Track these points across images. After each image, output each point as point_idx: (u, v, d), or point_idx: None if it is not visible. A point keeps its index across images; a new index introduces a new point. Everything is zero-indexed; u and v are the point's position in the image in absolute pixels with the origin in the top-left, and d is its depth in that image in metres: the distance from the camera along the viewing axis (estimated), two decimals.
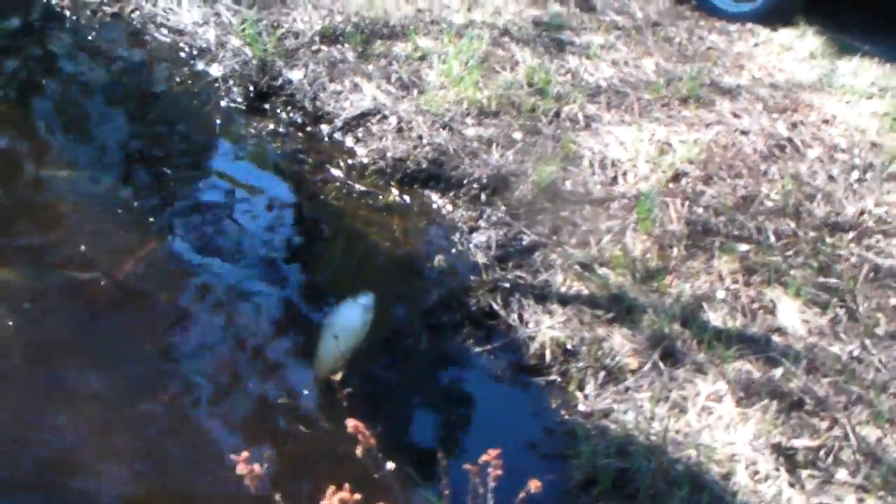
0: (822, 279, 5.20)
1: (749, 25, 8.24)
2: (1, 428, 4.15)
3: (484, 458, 3.18)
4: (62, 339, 4.67)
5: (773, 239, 5.45)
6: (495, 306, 5.00)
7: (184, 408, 4.42)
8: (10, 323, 4.68)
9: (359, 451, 3.33)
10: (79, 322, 4.80)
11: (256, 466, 3.12)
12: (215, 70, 7.10)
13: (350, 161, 6.17)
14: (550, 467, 4.26)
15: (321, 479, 3.75)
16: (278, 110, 6.72)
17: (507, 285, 5.10)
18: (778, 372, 4.57)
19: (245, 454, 3.13)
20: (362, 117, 6.43)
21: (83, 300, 4.93)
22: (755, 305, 5.01)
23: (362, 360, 4.68)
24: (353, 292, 4.75)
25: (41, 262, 5.19)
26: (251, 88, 6.87)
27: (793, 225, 5.57)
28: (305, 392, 4.36)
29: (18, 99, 6.78)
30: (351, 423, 3.29)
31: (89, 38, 7.64)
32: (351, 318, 4.60)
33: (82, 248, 5.20)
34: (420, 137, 6.15)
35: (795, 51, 7.86)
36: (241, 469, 3.12)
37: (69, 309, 4.86)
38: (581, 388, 4.61)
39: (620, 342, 4.73)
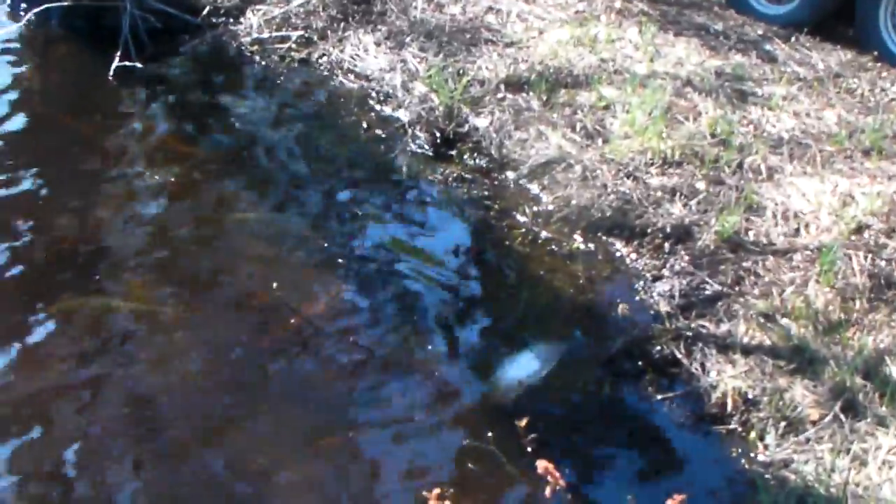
0: None
1: None
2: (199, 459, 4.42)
3: (670, 502, 3.29)
4: (252, 375, 4.92)
5: None
6: (678, 355, 5.10)
7: (366, 447, 4.62)
8: (206, 358, 4.94)
9: (548, 492, 3.47)
10: (267, 358, 5.04)
11: None
12: (402, 115, 7.36)
13: (535, 208, 6.33)
14: None
15: None
16: (464, 156, 6.92)
17: (690, 334, 5.20)
18: None
19: (437, 491, 3.29)
20: (547, 165, 6.59)
21: (272, 337, 5.17)
22: None
23: (547, 405, 4.83)
24: (538, 339, 4.93)
25: (234, 300, 5.46)
26: (437, 134, 7.10)
27: None
28: (490, 435, 4.47)
29: (207, 144, 7.13)
30: (541, 465, 3.43)
31: (278, 82, 7.95)
32: (524, 367, 4.78)
33: (274, 285, 5.44)
34: (604, 186, 6.29)
35: None
36: None
37: (258, 346, 5.10)
38: (762, 437, 4.68)
39: (802, 393, 4.78)
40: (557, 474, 3.41)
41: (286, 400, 4.81)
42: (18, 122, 7.20)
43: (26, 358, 4.96)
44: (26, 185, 6.34)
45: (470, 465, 4.46)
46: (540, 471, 3.40)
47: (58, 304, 5.29)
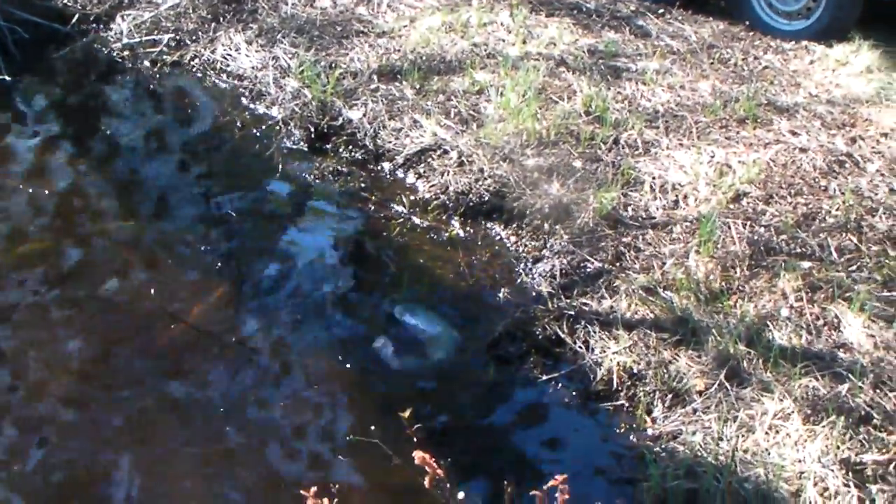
0: (886, 293, 5.19)
1: (804, 43, 8.23)
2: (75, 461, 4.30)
3: (551, 483, 3.25)
4: (135, 378, 4.81)
5: (835, 255, 5.46)
6: (561, 334, 5.06)
7: (252, 444, 4.52)
8: (84, 361, 4.84)
9: (427, 482, 3.41)
10: (151, 364, 4.93)
11: (326, 501, 3.21)
12: (276, 112, 7.27)
13: (413, 197, 6.28)
14: (621, 491, 4.32)
15: None
16: (340, 150, 6.85)
17: (573, 313, 5.16)
18: (844, 388, 4.57)
19: (314, 488, 3.22)
20: (423, 153, 6.55)
21: (156, 343, 5.06)
22: (820, 322, 5.02)
23: (431, 392, 4.77)
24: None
25: (112, 307, 5.33)
26: (312, 129, 7.03)
27: (855, 240, 5.57)
28: (373, 427, 4.40)
29: (80, 150, 6.96)
30: (418, 456, 3.38)
31: (150, 87, 7.82)
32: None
33: (151, 292, 5.33)
34: (481, 170, 6.25)
35: (851, 66, 7.83)
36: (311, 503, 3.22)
37: (142, 350, 4.99)
38: (649, 411, 4.66)
39: (687, 364, 4.77)
40: (436, 464, 3.36)
41: (168, 405, 4.72)
42: None
43: None
44: None
45: (355, 459, 4.40)
46: (417, 461, 3.36)
47: None
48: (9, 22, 8.12)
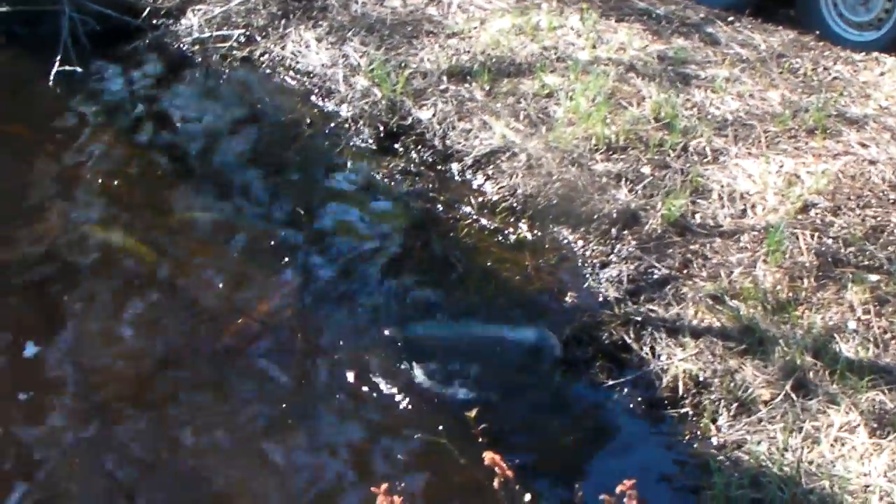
0: None
1: (874, 54, 8.17)
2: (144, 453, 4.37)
3: (620, 488, 3.28)
4: (202, 372, 4.87)
5: None
6: (627, 340, 5.09)
7: (320, 440, 4.58)
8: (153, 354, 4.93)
9: (496, 483, 3.45)
10: (218, 358, 5.00)
11: (396, 498, 3.26)
12: (345, 110, 7.32)
13: (481, 198, 6.31)
14: (684, 499, 4.35)
15: None
16: (408, 149, 6.89)
17: (639, 319, 5.19)
18: None
19: (385, 486, 3.26)
20: (492, 155, 6.57)
21: (223, 337, 5.13)
22: (887, 336, 5.00)
23: (498, 394, 4.80)
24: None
25: (182, 300, 5.41)
26: (381, 128, 7.07)
27: None
28: (441, 427, 4.43)
29: (149, 143, 7.07)
30: (488, 457, 3.41)
31: (220, 81, 7.89)
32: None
33: (220, 286, 5.39)
34: (550, 174, 6.27)
35: None
36: (381, 500, 3.26)
37: (211, 346, 5.06)
38: (714, 419, 4.67)
39: (752, 374, 4.78)
40: (504, 465, 3.39)
41: (238, 399, 4.77)
42: None
43: None
44: None
45: (421, 457, 4.44)
46: (487, 462, 3.39)
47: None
48: (81, 13, 8.20)
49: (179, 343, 5.13)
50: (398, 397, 4.83)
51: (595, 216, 5.95)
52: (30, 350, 5.07)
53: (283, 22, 8.51)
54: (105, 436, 4.55)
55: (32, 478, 4.33)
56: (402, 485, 3.87)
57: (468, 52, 7.79)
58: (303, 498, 4.33)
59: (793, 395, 4.64)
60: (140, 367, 4.95)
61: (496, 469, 3.44)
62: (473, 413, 3.78)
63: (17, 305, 5.38)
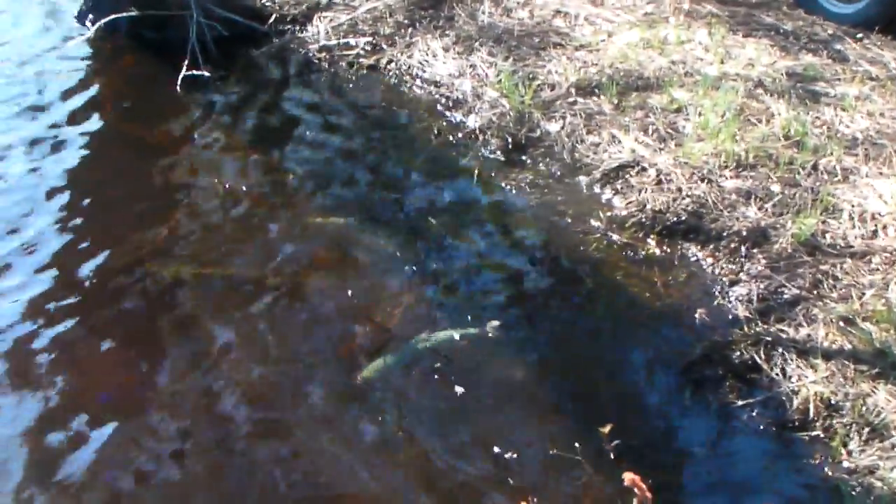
0: None
1: None
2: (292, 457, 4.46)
3: None
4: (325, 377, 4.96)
5: None
6: (758, 360, 5.07)
7: (451, 454, 4.62)
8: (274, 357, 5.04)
9: (635, 503, 3.48)
10: (342, 364, 5.07)
11: None
12: (472, 121, 7.37)
13: (609, 213, 6.32)
14: None
15: None
16: (536, 161, 6.92)
17: (770, 339, 5.17)
18: None
19: (523, 503, 3.31)
20: (621, 169, 6.60)
21: (349, 343, 5.21)
22: None
23: (628, 412, 4.82)
24: (614, 346, 4.98)
25: (307, 306, 5.50)
26: (509, 140, 7.11)
27: None
28: (576, 444, 4.46)
29: (275, 148, 7.19)
30: (628, 477, 3.45)
31: (347, 89, 8.00)
32: None
33: (348, 293, 5.47)
34: (679, 189, 6.28)
35: None
36: None
37: (334, 349, 5.16)
38: (845, 444, 4.64)
39: (885, 398, 4.75)
40: (644, 486, 3.43)
41: (358, 407, 4.85)
42: (88, 132, 7.30)
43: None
44: (98, 196, 6.44)
45: (556, 474, 4.45)
46: (627, 482, 3.43)
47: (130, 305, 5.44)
48: (209, 19, 8.38)
49: (306, 346, 5.21)
50: (532, 412, 4.86)
51: (724, 233, 5.95)
52: (153, 357, 5.18)
53: (409, 31, 8.60)
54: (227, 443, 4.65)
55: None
56: (536, 500, 3.90)
57: (596, 64, 7.82)
58: None
59: None
60: (265, 367, 5.06)
61: (635, 489, 3.48)
62: (607, 430, 3.80)
63: (135, 311, 5.48)
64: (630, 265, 5.88)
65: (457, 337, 5.15)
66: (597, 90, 7.44)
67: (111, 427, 4.67)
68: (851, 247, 5.79)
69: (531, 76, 7.61)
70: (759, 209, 6.07)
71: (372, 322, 5.35)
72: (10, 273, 5.63)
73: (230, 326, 5.35)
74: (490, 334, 5.19)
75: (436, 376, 5.00)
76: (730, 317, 5.43)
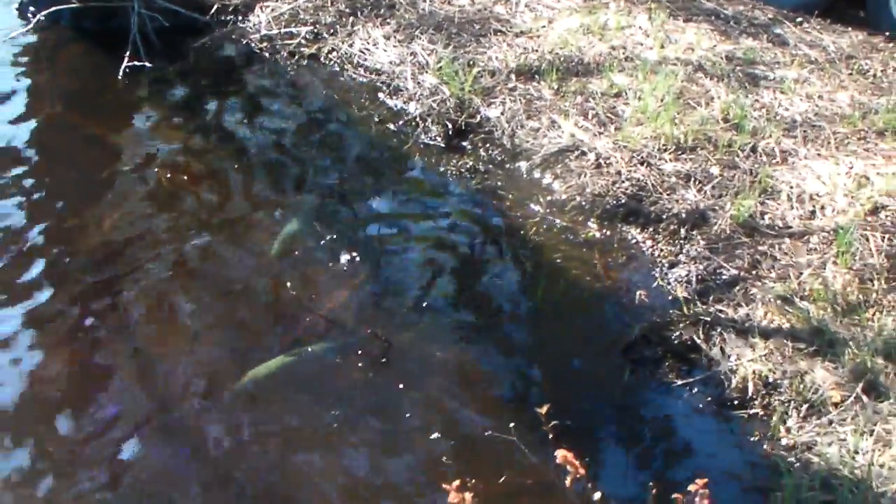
0: None
1: None
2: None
3: (692, 487, 3.30)
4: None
5: None
6: (697, 340, 5.09)
7: (387, 437, 4.61)
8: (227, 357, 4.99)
9: (568, 481, 3.47)
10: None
11: (467, 495, 3.29)
12: (413, 108, 7.35)
13: (549, 197, 6.33)
14: (754, 500, 4.34)
15: None
16: (477, 147, 6.91)
17: (708, 319, 5.19)
18: None
19: (456, 483, 3.30)
20: (560, 153, 6.59)
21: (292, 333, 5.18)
22: None
23: (566, 392, 4.82)
24: (553, 328, 4.97)
25: (249, 298, 5.46)
26: (449, 126, 7.09)
27: None
28: (512, 425, 4.45)
29: (218, 141, 7.14)
30: (560, 454, 3.44)
31: (288, 78, 7.95)
32: None
33: (287, 284, 5.44)
34: (618, 173, 6.29)
35: None
36: (452, 498, 3.30)
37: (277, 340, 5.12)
38: (783, 421, 4.66)
39: (823, 375, 4.77)
40: (577, 463, 3.42)
41: (304, 393, 4.81)
42: (29, 123, 7.22)
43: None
44: (38, 186, 6.36)
45: (491, 454, 4.44)
46: (559, 460, 3.42)
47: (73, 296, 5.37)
48: (150, 10, 8.31)
49: (250, 339, 5.17)
50: (464, 391, 4.88)
51: (664, 216, 5.96)
52: (99, 345, 5.12)
53: (350, 20, 8.56)
54: (180, 428, 4.61)
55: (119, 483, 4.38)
56: (473, 481, 3.88)
57: (536, 50, 7.82)
58: (373, 495, 4.35)
59: (863, 398, 4.63)
60: (210, 364, 5.01)
61: (568, 467, 3.46)
62: (544, 410, 3.79)
63: (81, 298, 5.41)
64: (570, 248, 5.90)
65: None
66: (537, 76, 7.44)
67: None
68: (790, 227, 5.82)
69: (471, 63, 7.60)
70: (699, 191, 6.10)
71: (312, 311, 5.30)
72: None
73: (170, 316, 5.33)
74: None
75: (370, 361, 4.94)
76: (669, 298, 5.45)
